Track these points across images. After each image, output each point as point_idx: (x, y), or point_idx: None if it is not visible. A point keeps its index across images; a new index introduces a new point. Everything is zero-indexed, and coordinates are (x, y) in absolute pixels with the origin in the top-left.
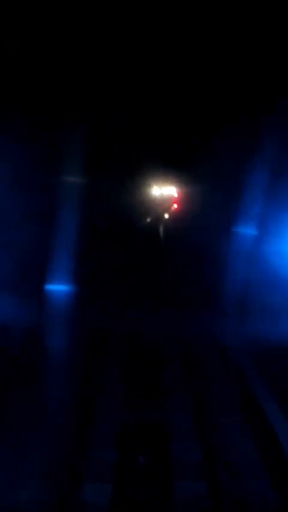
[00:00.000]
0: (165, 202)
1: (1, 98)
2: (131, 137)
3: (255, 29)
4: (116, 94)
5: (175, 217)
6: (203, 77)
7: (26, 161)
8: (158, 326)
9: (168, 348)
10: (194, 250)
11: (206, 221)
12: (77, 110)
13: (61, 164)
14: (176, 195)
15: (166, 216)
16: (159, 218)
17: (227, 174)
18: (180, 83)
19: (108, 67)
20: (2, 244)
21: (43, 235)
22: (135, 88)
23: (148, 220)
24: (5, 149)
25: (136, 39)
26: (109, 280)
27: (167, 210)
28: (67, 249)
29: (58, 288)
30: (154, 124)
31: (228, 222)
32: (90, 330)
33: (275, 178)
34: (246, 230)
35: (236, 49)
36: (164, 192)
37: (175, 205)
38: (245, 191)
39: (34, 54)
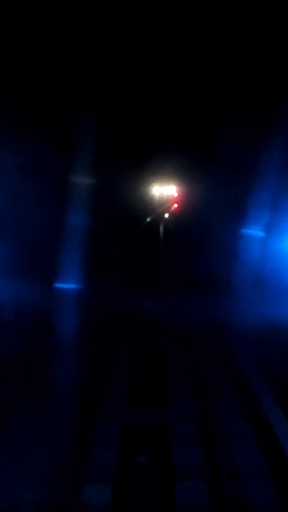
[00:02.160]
0: (166, 202)
1: (13, 94)
2: (134, 136)
3: (260, 23)
4: (120, 95)
5: (175, 216)
6: (206, 77)
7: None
8: (159, 318)
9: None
10: (194, 250)
11: (206, 221)
12: (79, 109)
13: (65, 165)
14: (176, 195)
15: (166, 215)
16: (159, 217)
17: (228, 174)
18: (183, 84)
19: (112, 67)
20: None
21: (50, 231)
22: (138, 88)
23: (148, 219)
24: (14, 144)
25: (139, 40)
26: (112, 276)
27: (167, 209)
28: (74, 246)
29: (66, 286)
30: (157, 123)
31: (229, 222)
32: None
33: (279, 177)
34: (248, 230)
35: (238, 48)
36: (165, 191)
37: (175, 205)
38: (247, 190)
39: (38, 50)
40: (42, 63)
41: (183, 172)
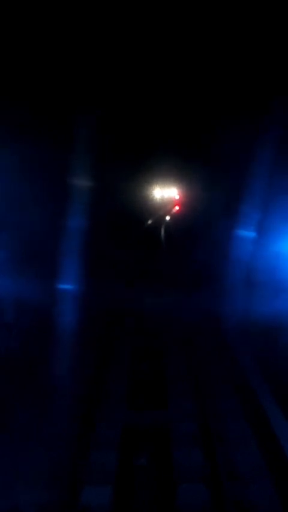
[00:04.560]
0: (167, 204)
1: (12, 94)
2: (134, 137)
3: (257, 24)
4: (119, 95)
5: (176, 219)
6: (205, 79)
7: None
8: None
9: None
10: (194, 251)
11: (206, 222)
12: (78, 109)
13: (65, 165)
14: (177, 197)
15: (167, 217)
16: (160, 220)
17: (227, 175)
18: (183, 85)
19: (111, 67)
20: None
21: (51, 231)
22: (138, 88)
23: (150, 222)
24: (13, 142)
25: (139, 40)
26: (114, 276)
27: (169, 212)
28: (75, 246)
29: (67, 286)
30: (157, 124)
31: (226, 223)
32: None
33: (271, 178)
34: (242, 231)
35: (237, 50)
36: (166, 193)
37: (176, 207)
38: (247, 193)
39: (38, 50)
40: (42, 63)
41: (184, 174)
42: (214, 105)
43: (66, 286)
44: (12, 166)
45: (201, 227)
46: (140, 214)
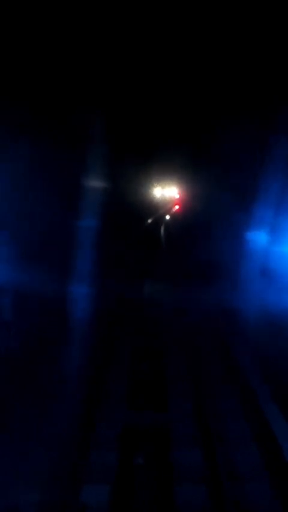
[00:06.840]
0: (167, 204)
1: (15, 95)
2: (134, 137)
3: (259, 24)
4: (120, 96)
5: (176, 218)
6: (206, 78)
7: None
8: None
9: None
10: (193, 251)
11: (207, 222)
12: (79, 109)
13: (66, 165)
14: (177, 196)
15: (167, 217)
16: (160, 219)
17: (229, 174)
18: (184, 85)
19: (112, 68)
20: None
21: (52, 231)
22: (139, 89)
23: (149, 221)
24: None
25: (140, 41)
26: (115, 275)
27: (169, 211)
28: (74, 245)
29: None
30: (157, 124)
31: (229, 222)
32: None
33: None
34: (248, 231)
35: (238, 49)
36: (166, 193)
37: (176, 206)
38: (247, 190)
39: (38, 48)
40: (42, 63)
41: (184, 173)
42: (215, 105)
43: (66, 285)
44: (12, 166)
45: (201, 226)
46: (140, 213)
